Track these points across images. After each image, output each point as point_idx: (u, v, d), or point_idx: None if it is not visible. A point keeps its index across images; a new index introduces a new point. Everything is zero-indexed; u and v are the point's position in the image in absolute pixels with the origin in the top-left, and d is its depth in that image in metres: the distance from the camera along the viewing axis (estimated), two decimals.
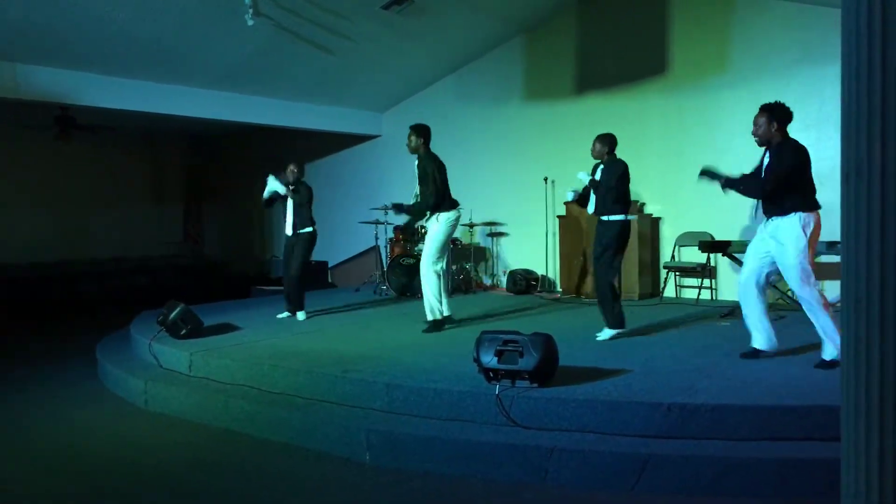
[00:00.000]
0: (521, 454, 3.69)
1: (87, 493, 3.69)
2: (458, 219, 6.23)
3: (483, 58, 9.89)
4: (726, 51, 7.88)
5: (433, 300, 6.11)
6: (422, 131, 6.11)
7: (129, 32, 7.19)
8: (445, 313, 6.28)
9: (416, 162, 6.16)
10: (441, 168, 6.07)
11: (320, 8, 7.60)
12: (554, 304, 8.03)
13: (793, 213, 4.35)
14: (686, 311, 7.09)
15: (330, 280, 12.03)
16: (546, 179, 9.12)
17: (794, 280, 4.36)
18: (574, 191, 5.90)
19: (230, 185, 14.57)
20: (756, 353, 4.77)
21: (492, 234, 9.93)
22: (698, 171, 4.79)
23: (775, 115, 4.42)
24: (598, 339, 5.53)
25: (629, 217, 5.56)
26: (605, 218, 5.54)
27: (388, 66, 9.47)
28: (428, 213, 6.15)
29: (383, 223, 9.36)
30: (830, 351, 4.36)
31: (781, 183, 4.36)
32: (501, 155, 9.79)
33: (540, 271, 9.31)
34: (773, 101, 4.52)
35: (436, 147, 6.29)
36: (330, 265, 12.10)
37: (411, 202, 6.24)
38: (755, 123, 4.49)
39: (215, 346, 5.71)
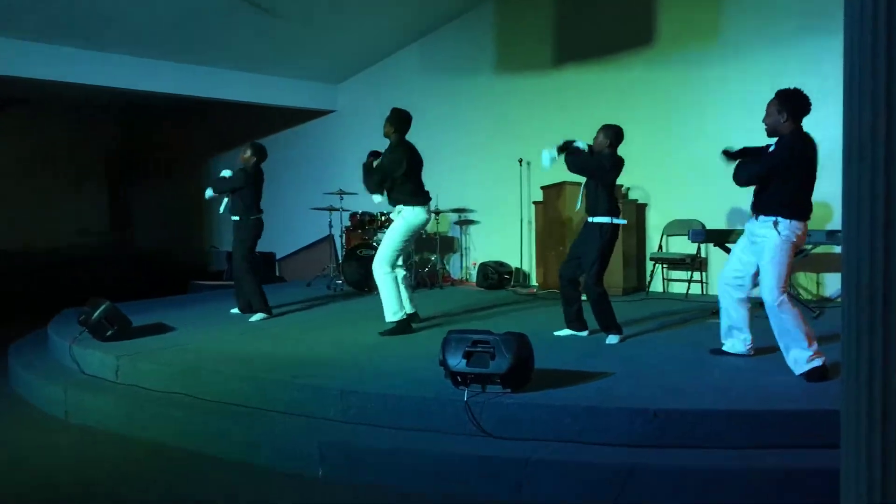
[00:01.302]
0: (492, 467, 3.71)
1: None
2: (426, 221, 6.20)
3: (450, 24, 9.86)
4: (717, 20, 7.96)
5: (391, 301, 6.08)
6: (395, 119, 6.13)
7: None
8: (409, 310, 6.28)
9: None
10: (403, 159, 6.03)
11: None
12: (529, 301, 8.07)
13: (774, 217, 4.38)
14: (674, 308, 7.19)
15: (278, 273, 11.92)
16: (521, 161, 9.15)
17: (764, 286, 4.40)
18: (552, 153, 5.66)
19: (165, 165, 14.34)
20: (724, 352, 4.97)
21: (460, 223, 9.94)
22: (720, 152, 4.85)
23: (786, 105, 4.40)
24: (607, 343, 5.55)
25: (616, 221, 5.56)
26: (590, 219, 5.56)
27: (344, 32, 9.38)
28: (393, 206, 6.17)
29: (338, 209, 9.29)
30: (801, 364, 4.37)
31: (768, 179, 4.41)
32: (471, 133, 9.79)
33: (514, 263, 9.35)
34: (788, 86, 4.45)
35: None
36: (278, 257, 11.99)
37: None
38: (766, 110, 4.50)
39: (146, 349, 5.64)
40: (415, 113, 6.28)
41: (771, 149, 4.53)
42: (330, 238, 10.01)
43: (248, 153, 7.00)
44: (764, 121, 4.53)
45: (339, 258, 9.63)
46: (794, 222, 4.38)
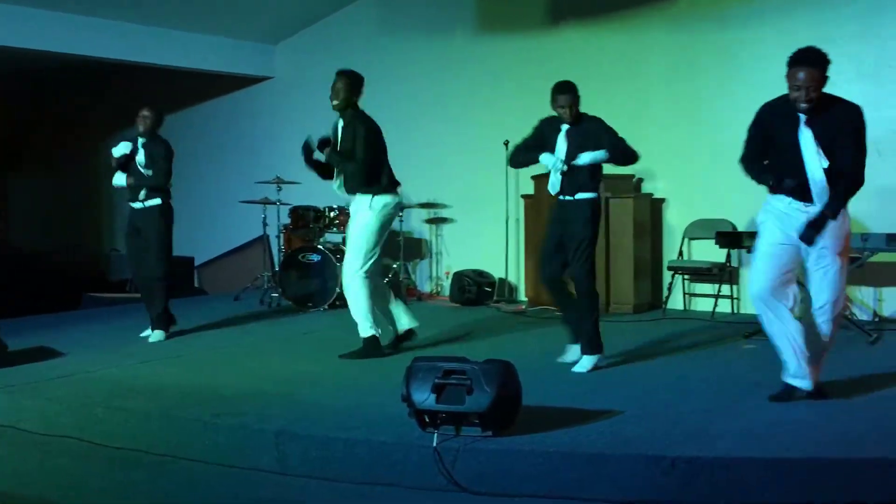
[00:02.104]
0: None
1: None
2: (398, 206, 6.34)
3: None
4: None
5: (364, 312, 6.11)
6: (355, 82, 6.18)
7: None
8: (406, 326, 6.39)
9: (341, 123, 6.21)
10: (378, 135, 6.16)
11: None
12: (517, 320, 8.10)
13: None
14: (697, 328, 7.25)
15: (197, 284, 11.84)
16: (507, 144, 9.15)
17: (834, 288, 4.48)
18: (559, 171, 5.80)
19: (50, 144, 14.20)
20: (791, 392, 4.85)
21: (430, 221, 9.94)
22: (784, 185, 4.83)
23: (826, 69, 4.48)
24: (575, 371, 5.59)
25: (601, 193, 5.77)
26: (574, 197, 5.61)
27: None
28: (351, 193, 6.20)
29: (275, 203, 9.25)
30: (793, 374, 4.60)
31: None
32: (444, 108, 9.80)
33: (497, 273, 9.37)
34: (807, 44, 4.57)
35: None
36: (196, 263, 11.90)
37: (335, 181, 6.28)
38: (811, 83, 4.48)
39: (26, 381, 5.59)
40: (374, 82, 6.30)
41: (804, 130, 4.58)
42: (264, 239, 9.96)
43: (154, 116, 6.92)
44: (812, 96, 4.51)
45: (276, 265, 9.57)
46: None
